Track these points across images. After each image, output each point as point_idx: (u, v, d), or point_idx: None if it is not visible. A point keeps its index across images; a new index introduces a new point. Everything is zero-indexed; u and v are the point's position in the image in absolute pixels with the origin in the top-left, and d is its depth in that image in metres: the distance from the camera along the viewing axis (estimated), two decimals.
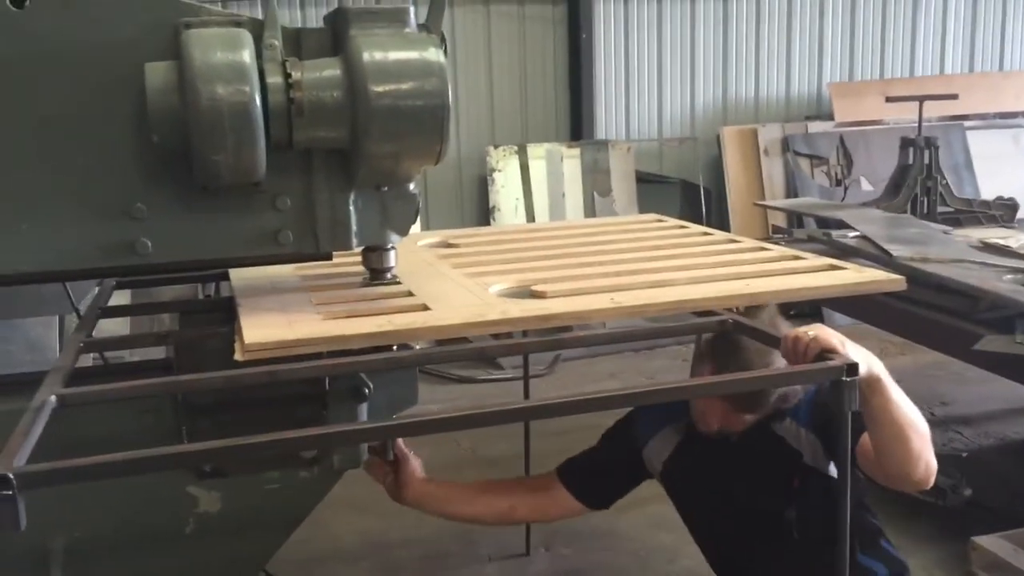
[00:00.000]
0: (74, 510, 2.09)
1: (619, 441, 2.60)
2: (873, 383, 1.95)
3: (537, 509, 2.74)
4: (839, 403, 1.82)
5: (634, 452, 2.60)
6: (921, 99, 5.66)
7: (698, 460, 2.48)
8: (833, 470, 2.29)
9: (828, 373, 1.84)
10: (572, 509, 2.67)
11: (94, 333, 2.43)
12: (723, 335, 2.29)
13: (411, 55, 1.90)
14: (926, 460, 2.07)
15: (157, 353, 2.93)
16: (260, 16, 1.94)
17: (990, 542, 2.95)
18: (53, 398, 1.76)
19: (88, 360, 2.92)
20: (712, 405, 2.36)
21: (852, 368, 1.82)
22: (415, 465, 2.60)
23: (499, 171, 7.46)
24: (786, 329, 2.13)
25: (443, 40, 1.98)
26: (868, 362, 1.92)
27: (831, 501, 2.09)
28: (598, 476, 2.68)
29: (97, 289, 2.82)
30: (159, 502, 2.17)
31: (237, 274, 2.46)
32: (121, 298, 3.25)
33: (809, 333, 1.94)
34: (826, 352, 1.90)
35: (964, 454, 4.81)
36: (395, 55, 1.88)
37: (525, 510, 2.76)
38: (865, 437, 2.10)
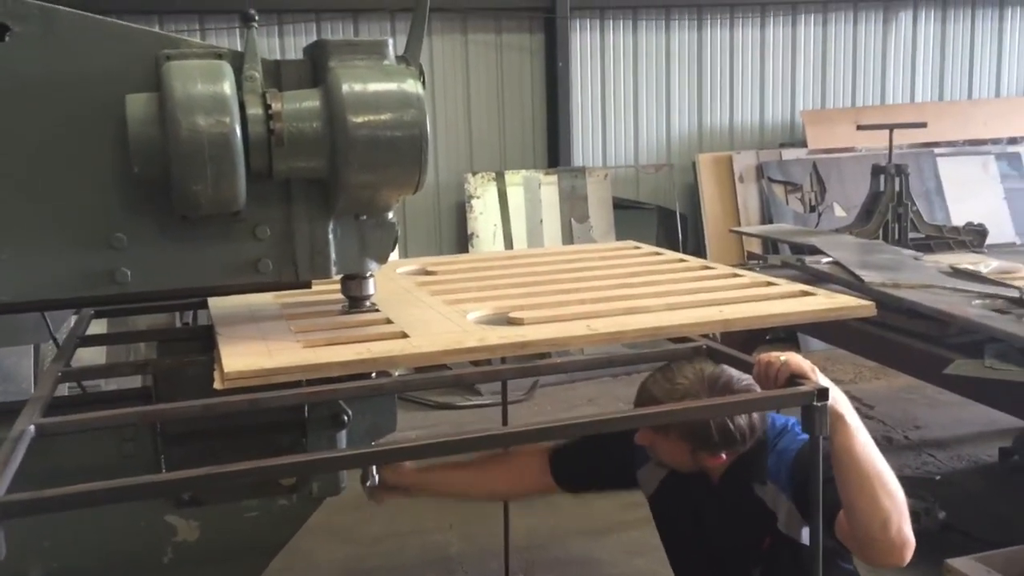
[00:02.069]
0: (53, 539, 2.08)
1: (618, 452, 2.59)
2: (834, 420, 1.92)
3: (521, 489, 2.87)
4: (810, 427, 1.85)
5: (628, 468, 2.61)
6: (891, 127, 5.76)
7: (681, 498, 2.49)
8: (805, 537, 2.25)
9: (799, 398, 1.87)
10: (549, 489, 2.75)
11: (72, 362, 2.42)
12: (651, 382, 2.31)
13: (390, 87, 1.93)
14: (897, 525, 1.97)
15: (133, 382, 2.92)
16: (240, 48, 1.97)
17: (964, 564, 2.97)
18: (32, 427, 1.76)
19: (64, 389, 2.91)
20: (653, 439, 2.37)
21: (822, 393, 1.85)
22: (405, 465, 2.63)
23: (477, 198, 7.50)
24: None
25: (421, 72, 2.02)
26: (833, 397, 1.91)
27: (798, 570, 2.08)
28: (587, 473, 2.70)
29: (74, 318, 2.81)
30: (137, 531, 2.16)
31: (216, 303, 2.47)
32: (97, 327, 3.24)
33: (780, 358, 1.97)
34: (797, 377, 1.93)
35: (937, 477, 4.86)
36: (374, 87, 1.92)
37: (505, 490, 2.92)
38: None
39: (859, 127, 6.53)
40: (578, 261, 3.03)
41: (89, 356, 4.34)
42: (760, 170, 7.99)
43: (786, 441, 2.32)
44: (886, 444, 5.27)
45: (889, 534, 1.98)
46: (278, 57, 2.05)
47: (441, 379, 2.55)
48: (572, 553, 4.19)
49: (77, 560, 2.12)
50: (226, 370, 1.82)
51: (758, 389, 2.14)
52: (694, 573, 2.59)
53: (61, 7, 1.85)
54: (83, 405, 2.27)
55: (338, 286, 2.27)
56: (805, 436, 2.26)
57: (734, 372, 2.22)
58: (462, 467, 2.72)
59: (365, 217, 2.12)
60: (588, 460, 2.69)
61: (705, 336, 2.39)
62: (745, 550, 2.36)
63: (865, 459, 1.98)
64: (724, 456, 2.30)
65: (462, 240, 7.59)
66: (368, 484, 2.61)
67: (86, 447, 2.04)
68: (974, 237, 5.38)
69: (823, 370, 2.00)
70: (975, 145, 8.52)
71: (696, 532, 2.48)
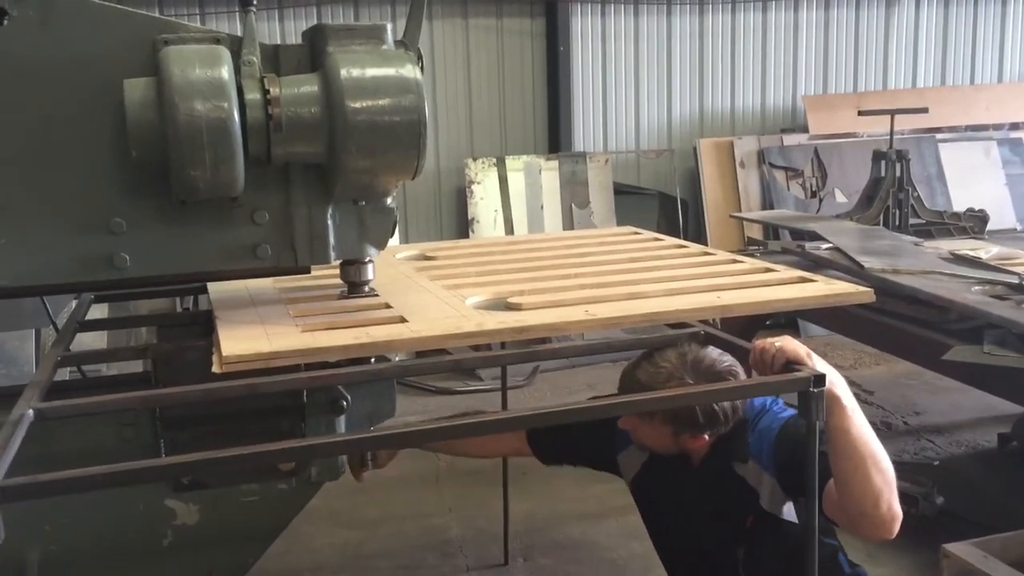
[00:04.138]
0: (52, 523, 2.10)
1: (598, 435, 2.60)
2: (831, 402, 1.95)
3: (486, 451, 2.87)
4: (806, 414, 1.86)
5: (609, 452, 2.62)
6: (893, 113, 5.73)
7: (662, 481, 2.51)
8: (787, 513, 2.28)
9: (795, 384, 1.88)
10: (521, 452, 2.75)
11: (72, 347, 2.43)
12: (637, 363, 2.32)
13: (388, 72, 1.93)
14: (888, 501, 2.01)
15: (135, 367, 2.94)
16: (240, 33, 1.96)
17: (961, 549, 2.98)
18: (31, 412, 1.77)
19: (65, 374, 2.92)
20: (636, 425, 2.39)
21: (819, 379, 1.85)
22: None
23: (478, 183, 7.49)
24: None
25: (420, 57, 2.01)
26: (830, 380, 1.93)
27: (781, 546, 2.10)
28: (562, 445, 2.70)
29: (75, 303, 2.82)
30: (137, 515, 2.17)
31: (216, 287, 2.47)
32: (98, 312, 3.25)
33: (776, 344, 1.97)
34: (793, 363, 1.94)
35: (936, 463, 4.87)
36: (372, 72, 1.91)
37: (485, 450, 2.89)
38: (831, 482, 2.08)
39: (860, 112, 6.50)
40: (578, 247, 3.03)
41: (91, 341, 4.36)
42: (761, 155, 7.97)
43: (767, 420, 2.33)
44: (885, 430, 5.29)
45: (880, 510, 2.02)
46: (278, 42, 2.04)
47: (440, 364, 2.56)
48: (570, 537, 4.20)
49: (77, 544, 2.13)
50: (225, 354, 1.82)
51: (739, 368, 2.16)
52: (678, 556, 2.61)
53: None
54: (83, 390, 2.28)
55: (337, 271, 2.27)
56: (787, 413, 2.29)
57: (715, 353, 2.24)
58: None
59: (364, 202, 2.12)
60: (568, 443, 2.68)
61: (704, 322, 2.40)
62: (728, 530, 2.38)
63: (860, 440, 2.00)
64: (707, 437, 2.32)
65: (462, 225, 7.59)
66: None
67: (86, 432, 2.05)
68: (975, 223, 5.37)
69: (823, 356, 2.01)
70: (977, 131, 8.49)
71: (678, 515, 2.50)
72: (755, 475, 2.30)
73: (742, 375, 2.19)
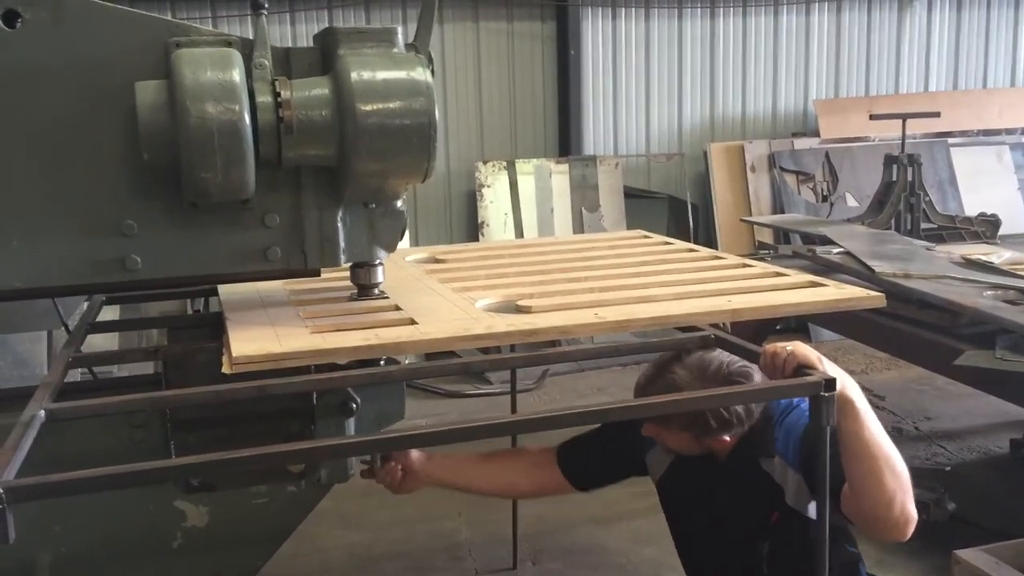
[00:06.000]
0: (62, 524, 2.10)
1: (625, 438, 2.60)
2: (843, 405, 1.94)
3: (537, 486, 2.81)
4: (817, 418, 1.85)
5: (637, 453, 2.63)
6: (904, 117, 5.72)
7: (688, 479, 2.51)
8: (813, 511, 2.23)
9: (806, 388, 1.87)
10: (566, 488, 2.73)
11: (83, 348, 2.44)
12: (663, 361, 2.33)
13: (399, 75, 1.93)
14: (901, 503, 2.01)
15: (145, 368, 2.95)
16: (250, 36, 1.97)
17: (973, 556, 2.96)
18: (42, 412, 1.78)
19: (77, 375, 2.93)
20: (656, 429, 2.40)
21: (830, 383, 1.85)
22: (412, 453, 2.61)
23: (488, 186, 7.50)
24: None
25: (431, 60, 2.02)
26: (842, 383, 1.92)
27: (806, 543, 2.08)
28: (594, 465, 2.72)
29: (86, 305, 2.83)
30: (147, 516, 2.18)
31: (226, 289, 2.48)
32: (110, 313, 3.26)
33: (787, 348, 1.97)
34: (804, 367, 1.93)
35: (947, 468, 4.84)
36: (383, 75, 1.92)
37: (526, 487, 2.84)
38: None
39: (872, 116, 6.50)
40: (588, 250, 3.03)
41: (102, 342, 4.37)
42: (772, 159, 7.95)
43: (793, 417, 2.32)
44: (896, 435, 5.26)
45: (893, 512, 2.01)
46: (290, 45, 2.05)
47: (449, 367, 2.56)
48: (580, 541, 4.19)
49: (87, 545, 2.14)
50: (234, 354, 1.83)
51: (752, 370, 2.16)
52: (702, 556, 2.60)
53: None
54: (94, 391, 2.29)
55: (347, 274, 2.28)
56: None
57: (724, 356, 2.25)
58: (473, 460, 2.71)
59: (374, 205, 2.13)
60: (595, 454, 2.70)
61: (714, 326, 2.39)
62: (753, 525, 2.37)
63: (873, 443, 1.99)
64: (727, 438, 2.32)
65: (473, 228, 7.59)
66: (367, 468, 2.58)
67: (96, 433, 2.05)
68: (987, 227, 5.35)
69: (834, 360, 2.00)
70: (989, 135, 8.46)
71: (704, 513, 2.49)
72: (781, 471, 2.30)
73: (756, 375, 2.18)
